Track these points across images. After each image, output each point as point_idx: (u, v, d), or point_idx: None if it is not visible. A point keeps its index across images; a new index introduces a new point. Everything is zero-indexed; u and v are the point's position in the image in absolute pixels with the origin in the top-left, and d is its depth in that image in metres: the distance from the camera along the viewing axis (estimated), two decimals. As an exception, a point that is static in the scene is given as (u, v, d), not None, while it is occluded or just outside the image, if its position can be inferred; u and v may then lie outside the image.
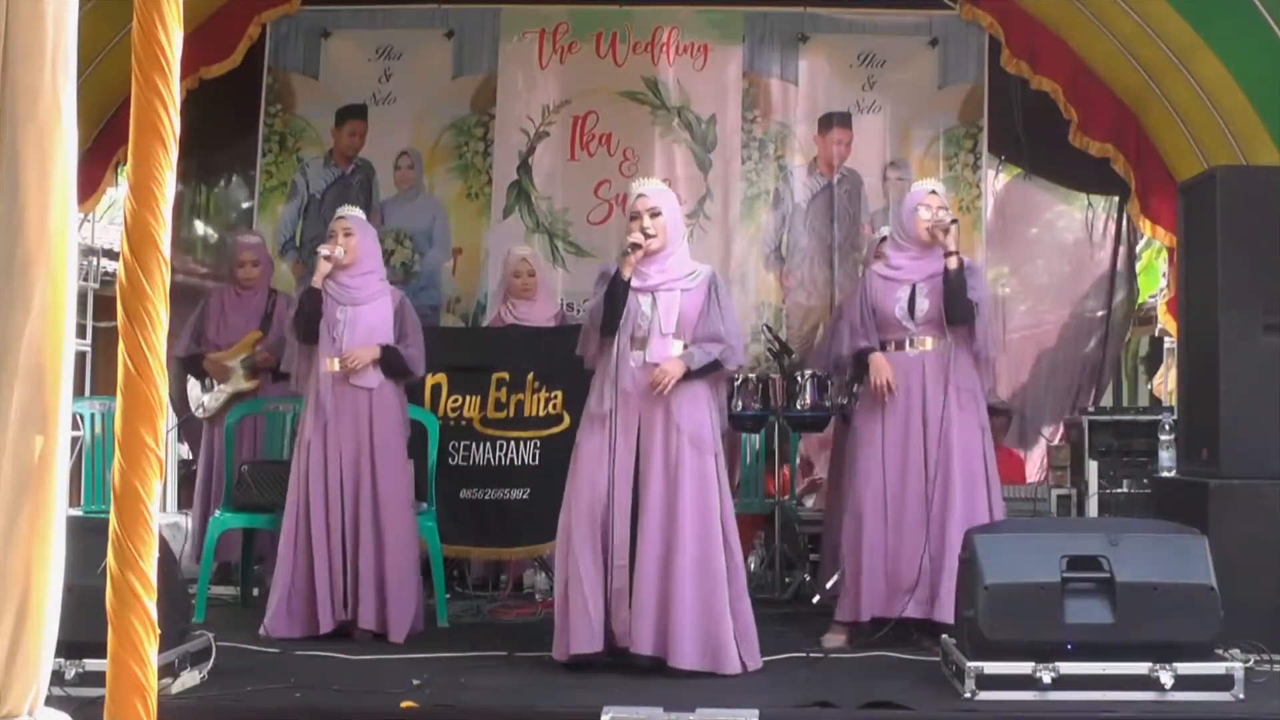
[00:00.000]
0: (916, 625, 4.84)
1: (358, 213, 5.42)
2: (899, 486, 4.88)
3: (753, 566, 6.22)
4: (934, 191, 5.09)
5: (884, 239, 5.54)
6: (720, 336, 4.55)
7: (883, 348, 5.01)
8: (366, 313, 5.21)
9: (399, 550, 5.13)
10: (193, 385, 6.40)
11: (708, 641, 4.39)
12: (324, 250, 5.18)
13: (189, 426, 6.96)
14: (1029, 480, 7.14)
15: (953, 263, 4.86)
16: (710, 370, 4.55)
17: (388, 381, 5.22)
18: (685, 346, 4.52)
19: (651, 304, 4.50)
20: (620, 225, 7.19)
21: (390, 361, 5.21)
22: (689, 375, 4.48)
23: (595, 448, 4.47)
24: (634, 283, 4.50)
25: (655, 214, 4.54)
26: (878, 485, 4.91)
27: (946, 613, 4.60)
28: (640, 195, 4.59)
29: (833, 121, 7.39)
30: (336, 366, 5.15)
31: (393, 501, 5.15)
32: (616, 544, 4.39)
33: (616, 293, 4.47)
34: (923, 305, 4.93)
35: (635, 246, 4.47)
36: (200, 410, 6.35)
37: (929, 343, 4.96)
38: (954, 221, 4.92)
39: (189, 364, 6.32)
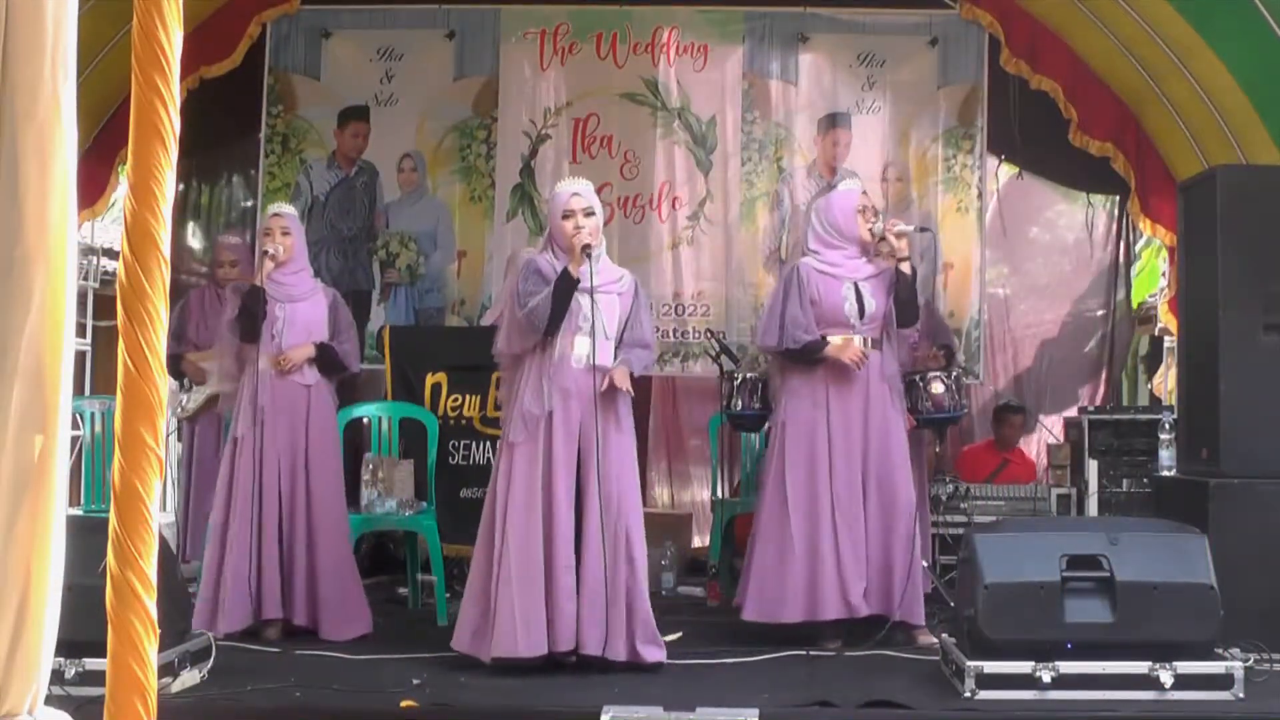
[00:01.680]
0: (874, 620, 4.85)
1: (291, 210, 5.51)
2: (845, 482, 4.87)
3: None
4: (865, 192, 5.19)
5: None
6: (648, 342, 4.70)
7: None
8: (303, 309, 5.29)
9: (332, 546, 5.15)
10: (171, 384, 6.39)
11: (650, 635, 4.46)
12: (269, 248, 5.23)
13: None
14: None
15: (906, 267, 4.93)
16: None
17: (322, 379, 5.30)
18: (616, 349, 4.58)
19: (592, 306, 4.50)
20: (621, 227, 7.24)
21: (326, 358, 5.29)
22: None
23: (534, 449, 4.46)
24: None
25: (589, 214, 4.55)
26: (824, 481, 4.87)
27: (906, 610, 4.81)
28: (575, 194, 4.58)
29: (833, 122, 7.39)
30: (267, 363, 5.16)
31: (327, 498, 5.19)
32: (562, 544, 4.39)
33: (567, 292, 4.47)
34: (871, 305, 4.94)
35: (589, 248, 4.47)
36: (179, 410, 6.36)
37: (871, 343, 4.98)
38: (924, 229, 4.95)
39: (168, 363, 6.31)
